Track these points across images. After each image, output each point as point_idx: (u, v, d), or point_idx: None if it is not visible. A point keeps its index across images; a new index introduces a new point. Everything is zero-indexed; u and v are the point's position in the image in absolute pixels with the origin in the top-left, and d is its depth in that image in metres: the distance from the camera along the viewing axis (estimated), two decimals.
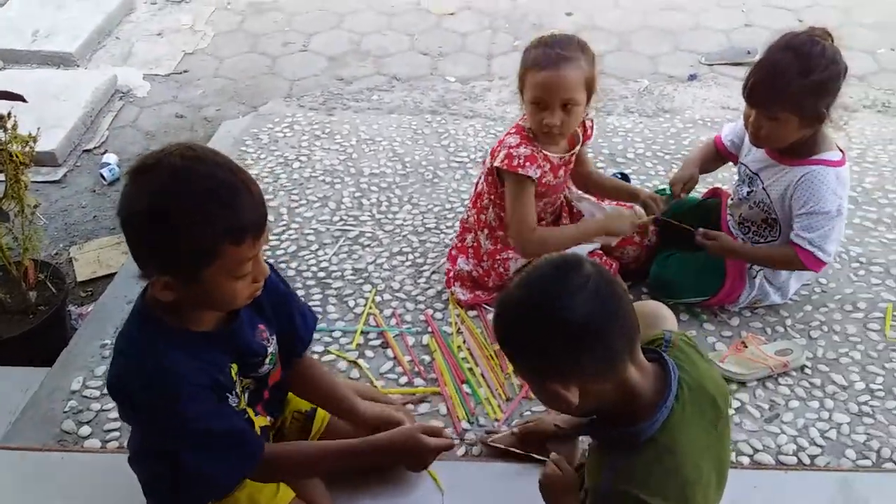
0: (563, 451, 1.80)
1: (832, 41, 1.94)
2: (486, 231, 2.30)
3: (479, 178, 2.39)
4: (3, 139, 2.15)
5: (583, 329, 1.12)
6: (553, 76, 1.99)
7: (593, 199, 2.40)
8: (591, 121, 2.29)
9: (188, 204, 1.17)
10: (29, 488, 1.83)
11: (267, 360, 1.50)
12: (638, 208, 2.34)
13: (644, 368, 1.22)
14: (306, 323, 1.62)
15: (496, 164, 2.12)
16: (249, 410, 1.50)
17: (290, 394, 1.76)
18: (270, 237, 2.64)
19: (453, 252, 2.42)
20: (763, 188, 2.14)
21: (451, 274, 2.38)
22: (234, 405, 1.41)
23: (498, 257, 2.29)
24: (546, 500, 1.50)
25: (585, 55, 2.04)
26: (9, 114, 2.15)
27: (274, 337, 1.53)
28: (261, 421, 1.55)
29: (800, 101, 1.92)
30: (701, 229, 2.22)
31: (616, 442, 1.23)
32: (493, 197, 2.25)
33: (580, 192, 2.41)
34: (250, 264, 1.26)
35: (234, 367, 1.42)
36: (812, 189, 2.03)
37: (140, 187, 1.20)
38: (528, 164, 2.08)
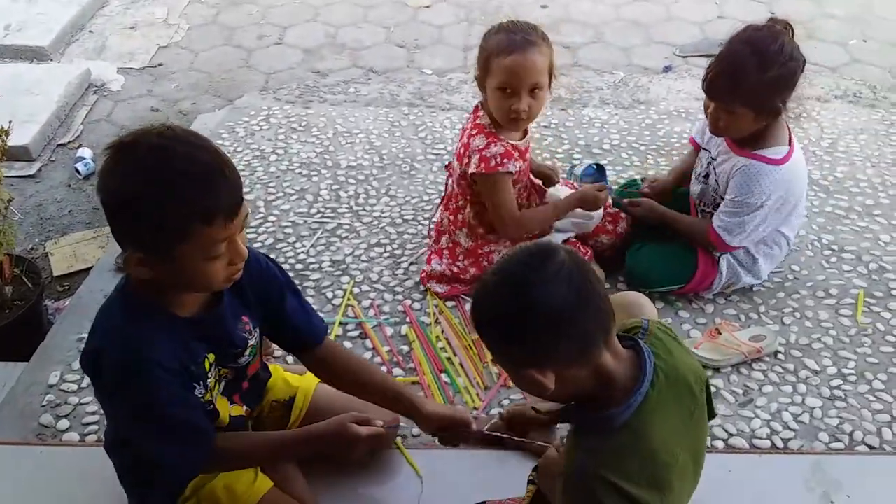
0: (542, 439, 1.83)
1: (793, 34, 1.98)
2: (464, 230, 2.31)
3: (447, 181, 2.40)
4: None
5: (557, 315, 1.13)
6: (521, 60, 1.99)
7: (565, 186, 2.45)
8: None
9: (161, 182, 1.18)
10: (7, 482, 1.82)
11: (247, 353, 1.50)
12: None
13: (619, 355, 1.23)
14: (309, 321, 1.61)
15: (472, 170, 2.13)
16: (222, 401, 1.50)
17: (268, 383, 1.76)
18: (248, 231, 2.64)
19: (429, 254, 2.43)
20: (715, 174, 2.20)
21: (426, 274, 2.40)
22: (199, 396, 1.41)
23: (480, 251, 2.31)
24: (543, 482, 1.51)
25: (545, 41, 2.06)
26: None
27: (257, 330, 1.52)
28: (236, 410, 1.55)
29: (756, 96, 1.97)
30: (626, 200, 2.35)
31: (590, 426, 1.24)
32: (468, 197, 2.26)
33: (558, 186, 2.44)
34: (224, 245, 1.25)
35: (211, 356, 1.42)
36: (742, 180, 2.09)
37: (116, 164, 1.21)
38: (505, 160, 2.10)
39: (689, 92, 3.60)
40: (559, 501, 1.26)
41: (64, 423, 1.97)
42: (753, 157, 2.08)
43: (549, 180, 2.40)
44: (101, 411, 1.97)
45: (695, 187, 2.33)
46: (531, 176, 2.37)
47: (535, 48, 2.00)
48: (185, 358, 1.36)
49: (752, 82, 1.94)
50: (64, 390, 2.05)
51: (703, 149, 2.29)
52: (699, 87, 3.54)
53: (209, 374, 1.43)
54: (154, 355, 1.29)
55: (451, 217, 2.33)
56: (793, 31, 1.98)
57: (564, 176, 2.78)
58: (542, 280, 1.13)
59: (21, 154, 3.20)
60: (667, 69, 3.91)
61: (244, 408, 1.59)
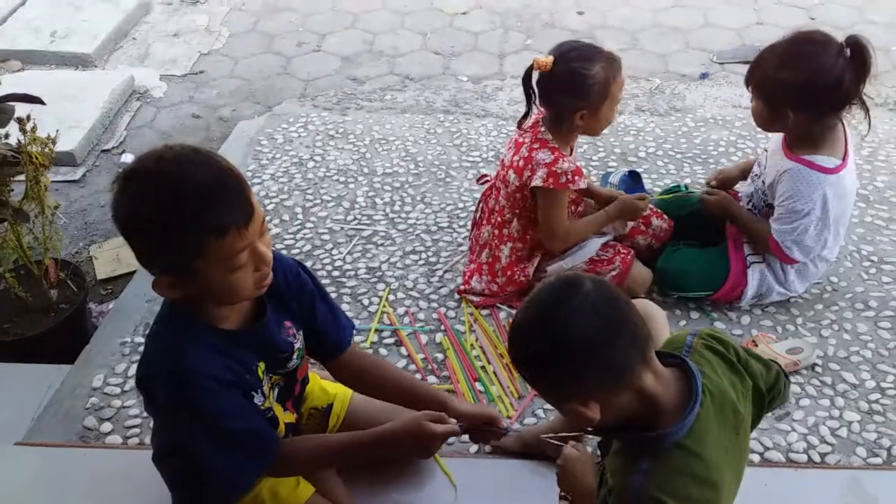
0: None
1: (841, 49, 1.94)
2: (509, 244, 2.32)
3: (490, 194, 2.41)
4: (23, 141, 2.19)
5: (587, 346, 1.14)
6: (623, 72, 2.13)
7: None
8: None
9: (164, 208, 1.19)
10: (52, 483, 1.87)
11: (295, 356, 1.53)
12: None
13: (661, 375, 1.22)
14: (337, 325, 1.63)
15: (536, 183, 2.13)
16: (277, 407, 1.53)
17: (306, 391, 1.79)
18: (287, 237, 2.68)
19: (466, 271, 2.44)
20: (764, 170, 2.20)
21: (464, 288, 2.41)
22: (258, 404, 1.44)
23: (516, 269, 2.32)
24: (565, 482, 1.51)
25: None
26: (28, 116, 2.19)
27: (300, 332, 1.55)
28: (287, 417, 1.58)
29: (766, 90, 2.03)
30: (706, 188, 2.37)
31: (644, 447, 1.23)
32: (517, 211, 2.27)
33: None
34: (245, 255, 1.26)
35: (262, 365, 1.45)
36: (789, 184, 2.08)
37: (120, 195, 1.23)
38: (576, 178, 2.12)
39: (726, 99, 3.57)
40: None
41: (107, 426, 2.02)
42: (802, 161, 2.06)
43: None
44: (144, 415, 2.02)
45: (747, 188, 2.32)
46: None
47: None
48: (238, 368, 1.38)
49: (763, 73, 2.01)
50: (107, 393, 2.10)
51: (765, 149, 2.29)
52: (737, 95, 3.53)
53: (263, 382, 1.46)
54: (204, 368, 1.32)
55: (496, 231, 2.34)
56: (860, 52, 1.93)
57: (598, 183, 2.79)
58: (566, 312, 1.15)
59: (66, 159, 3.29)
60: (704, 76, 3.88)
61: (294, 414, 1.62)
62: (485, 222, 2.40)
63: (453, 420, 1.56)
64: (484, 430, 1.67)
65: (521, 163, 2.18)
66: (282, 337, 1.49)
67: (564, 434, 1.74)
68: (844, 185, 2.09)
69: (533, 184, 2.14)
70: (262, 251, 1.29)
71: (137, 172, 1.23)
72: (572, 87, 2.07)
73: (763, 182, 2.21)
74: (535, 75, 2.12)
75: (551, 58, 2.07)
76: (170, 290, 1.28)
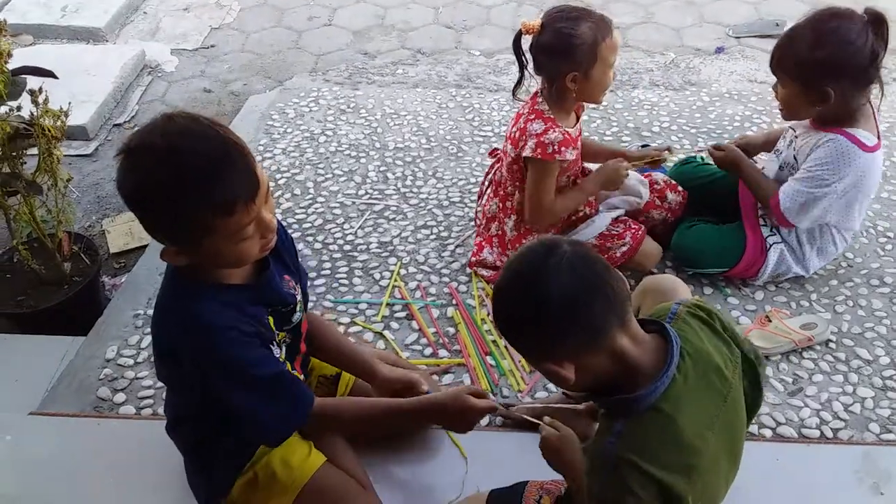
0: (579, 428, 1.83)
1: (880, 28, 1.90)
2: (513, 217, 2.31)
3: (493, 167, 2.40)
4: (36, 114, 2.19)
5: (560, 306, 1.15)
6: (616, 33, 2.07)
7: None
8: None
9: (171, 184, 1.18)
10: (65, 453, 1.89)
11: (297, 308, 1.53)
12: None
13: (640, 339, 1.23)
14: (304, 283, 1.67)
15: (526, 154, 2.11)
16: (288, 366, 1.54)
17: (313, 361, 1.80)
18: (298, 211, 2.68)
19: (479, 240, 2.44)
20: (794, 148, 2.15)
21: (475, 259, 2.41)
22: (277, 356, 1.44)
23: (523, 241, 2.30)
24: (551, 462, 1.51)
25: None
26: (40, 89, 2.18)
27: (299, 286, 1.56)
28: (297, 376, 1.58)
29: (802, 70, 1.96)
30: (713, 144, 2.33)
31: (617, 409, 1.24)
32: (517, 184, 2.25)
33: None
34: (252, 226, 1.27)
35: (271, 319, 1.45)
36: (826, 153, 2.04)
37: (127, 169, 1.21)
38: (563, 148, 2.09)
39: (741, 74, 3.53)
40: (584, 483, 1.26)
41: (120, 397, 2.03)
42: (844, 133, 2.02)
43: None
44: (157, 385, 2.03)
45: (771, 164, 2.28)
46: (582, 164, 2.35)
47: None
48: (253, 321, 1.39)
49: (799, 56, 1.94)
50: (121, 364, 2.12)
51: (791, 128, 2.25)
52: (753, 69, 3.48)
53: (276, 334, 1.46)
54: (222, 322, 1.32)
55: (501, 204, 2.33)
56: (882, 24, 1.91)
57: None
58: (545, 273, 1.16)
59: (79, 133, 3.29)
60: (719, 50, 3.83)
61: (301, 375, 1.61)
62: (492, 195, 2.39)
63: (492, 396, 1.57)
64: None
65: (517, 134, 2.17)
66: (285, 290, 1.49)
67: (543, 405, 1.79)
68: (876, 165, 2.07)
69: (524, 154, 2.12)
70: (267, 220, 1.30)
71: (141, 147, 1.21)
72: (559, 49, 2.03)
73: (795, 157, 2.15)
74: (529, 42, 2.09)
75: (539, 21, 2.05)
76: (177, 257, 1.29)
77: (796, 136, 2.17)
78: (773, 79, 2.10)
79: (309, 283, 2.33)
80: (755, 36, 3.92)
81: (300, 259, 1.70)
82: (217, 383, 1.38)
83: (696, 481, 1.20)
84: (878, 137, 2.06)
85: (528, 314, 1.18)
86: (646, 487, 1.16)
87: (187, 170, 1.18)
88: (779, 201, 2.11)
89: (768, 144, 2.38)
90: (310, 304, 2.28)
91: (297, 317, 1.54)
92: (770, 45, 2.11)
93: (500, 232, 2.35)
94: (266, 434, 1.47)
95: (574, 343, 1.18)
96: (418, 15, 4.27)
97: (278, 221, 1.54)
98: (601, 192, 2.31)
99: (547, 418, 1.56)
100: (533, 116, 2.13)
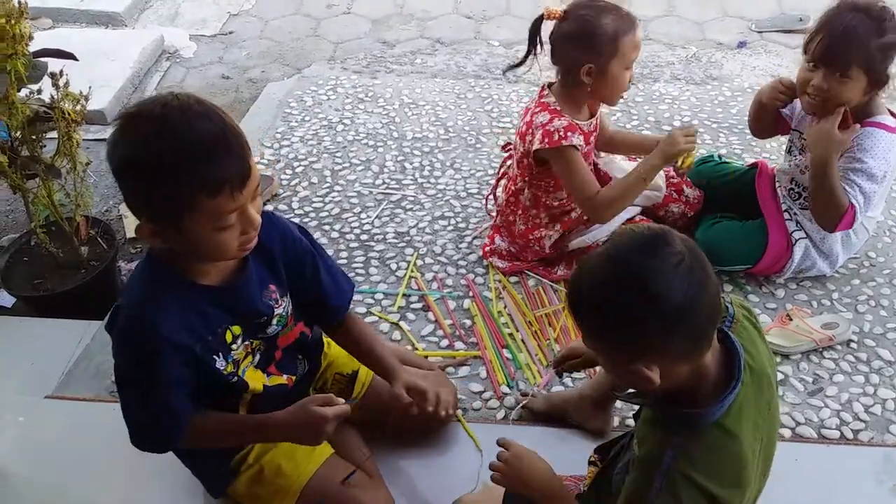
0: (596, 424, 1.82)
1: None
2: (520, 212, 2.29)
3: (506, 161, 2.39)
4: (56, 97, 2.19)
5: (678, 310, 1.07)
6: (640, 32, 2.02)
7: (618, 157, 2.39)
8: None
9: (162, 155, 1.16)
10: (80, 436, 1.90)
11: (274, 321, 1.49)
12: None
13: (714, 348, 1.19)
14: (339, 288, 1.61)
15: (535, 147, 2.09)
16: (254, 372, 1.50)
17: (331, 356, 1.78)
18: (315, 199, 2.67)
19: (492, 230, 2.43)
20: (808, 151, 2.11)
21: (488, 248, 2.39)
22: (220, 368, 1.41)
23: (532, 237, 2.29)
24: (514, 486, 1.47)
25: None
26: (60, 72, 2.18)
27: (286, 299, 1.51)
28: (274, 380, 1.55)
29: (873, 60, 1.92)
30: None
31: (680, 421, 1.20)
32: (527, 178, 2.23)
33: (605, 154, 2.40)
34: (234, 216, 1.24)
35: (236, 329, 1.42)
36: (864, 146, 2.00)
37: (120, 136, 1.20)
38: (569, 133, 2.05)
39: (764, 68, 3.49)
40: (627, 486, 1.23)
41: None
42: (870, 124, 2.00)
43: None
44: None
45: (786, 172, 2.24)
46: (595, 160, 2.32)
47: None
48: (200, 327, 1.36)
49: (869, 44, 1.90)
50: None
51: (794, 129, 2.21)
52: (775, 64, 3.44)
53: (233, 346, 1.42)
54: (161, 327, 1.30)
55: (511, 199, 2.31)
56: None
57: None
58: (662, 271, 1.07)
59: (97, 118, 3.29)
60: (741, 44, 3.79)
61: (284, 376, 1.58)
62: (503, 189, 2.38)
63: (341, 400, 1.46)
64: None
65: (524, 128, 2.15)
66: (262, 300, 1.45)
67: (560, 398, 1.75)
68: None
69: (533, 147, 2.10)
70: (251, 215, 1.27)
71: (141, 116, 1.19)
72: (578, 37, 2.00)
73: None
74: (549, 29, 2.07)
75: (562, 7, 2.03)
76: (152, 237, 1.26)
77: (804, 139, 2.13)
78: (796, 74, 2.06)
79: None
80: (778, 31, 3.87)
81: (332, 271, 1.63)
82: (119, 373, 1.39)
83: (747, 493, 1.19)
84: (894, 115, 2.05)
85: (637, 313, 1.09)
86: (695, 501, 1.14)
87: (181, 143, 1.17)
88: (853, 208, 2.03)
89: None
90: None
91: (272, 329, 1.50)
92: (793, 39, 2.09)
93: (506, 223, 2.35)
94: (134, 439, 1.44)
95: (676, 349, 1.12)
96: (437, 4, 4.25)
97: (297, 226, 1.54)
98: None
99: (500, 438, 1.49)
100: (539, 109, 2.11)
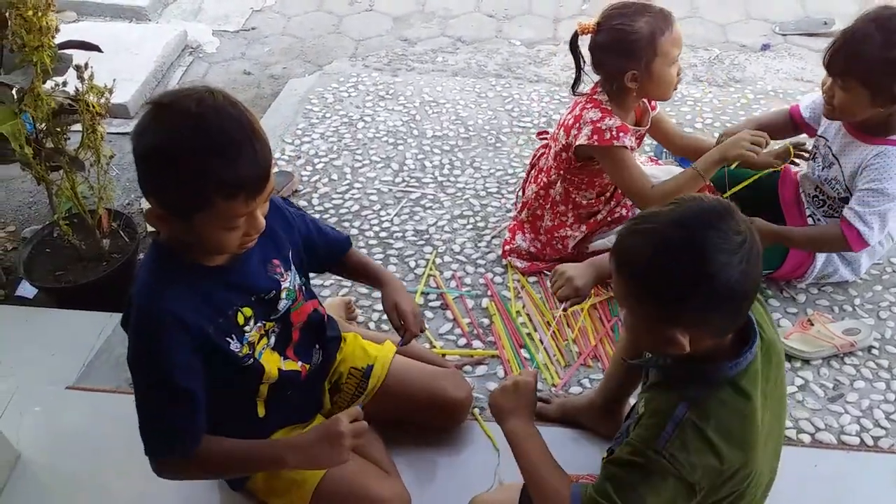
0: (608, 429, 1.81)
1: None
2: (549, 206, 2.28)
3: (539, 153, 2.38)
4: (81, 89, 2.21)
5: (730, 291, 1.09)
6: (678, 26, 2.01)
7: (646, 167, 2.37)
8: None
9: (190, 153, 1.18)
10: (100, 427, 1.92)
11: (284, 295, 1.50)
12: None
13: None
14: (334, 231, 1.74)
15: (581, 142, 2.07)
16: (271, 354, 1.51)
17: (346, 352, 1.78)
18: (335, 196, 2.68)
19: (512, 226, 2.42)
20: (839, 165, 2.08)
21: (508, 248, 2.39)
22: (235, 350, 1.41)
23: (556, 234, 2.29)
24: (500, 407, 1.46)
25: None
26: (85, 64, 2.20)
27: (290, 273, 1.52)
28: (289, 365, 1.55)
29: (874, 74, 1.86)
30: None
31: (695, 377, 1.21)
32: (562, 172, 2.22)
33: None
34: (243, 220, 1.27)
35: (247, 311, 1.43)
36: (882, 168, 1.96)
37: (152, 122, 1.22)
38: (621, 134, 2.05)
39: (787, 72, 3.46)
40: (633, 436, 1.23)
41: None
42: (889, 142, 1.96)
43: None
44: None
45: (810, 178, 2.22)
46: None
47: None
48: (210, 309, 1.36)
49: (871, 58, 1.84)
50: None
51: (820, 136, 2.17)
52: (799, 67, 3.41)
53: (246, 329, 1.43)
54: (172, 307, 1.30)
55: (541, 192, 2.30)
56: None
57: (652, 154, 2.73)
58: (724, 250, 1.08)
59: (120, 112, 3.31)
60: (765, 47, 3.76)
61: (299, 363, 1.58)
62: (532, 181, 2.37)
63: (355, 411, 1.44)
64: None
65: (571, 121, 2.14)
66: (267, 274, 1.47)
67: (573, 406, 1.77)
68: None
69: (578, 142, 2.09)
70: (258, 219, 1.30)
71: (175, 108, 1.21)
72: (616, 46, 1.99)
73: (842, 174, 2.07)
74: (587, 42, 2.07)
75: (594, 20, 2.02)
76: (160, 223, 1.28)
77: (830, 147, 2.11)
78: (820, 78, 2.04)
79: None
80: (802, 34, 3.83)
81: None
82: (136, 369, 1.37)
83: (751, 458, 1.20)
84: None
85: (691, 287, 1.10)
86: (701, 454, 1.16)
87: (209, 142, 1.19)
88: (855, 230, 1.99)
89: (768, 131, 2.30)
90: (344, 290, 2.29)
91: (282, 304, 1.50)
92: (817, 43, 2.06)
93: (530, 218, 2.34)
94: (144, 442, 1.41)
95: (715, 323, 1.15)
96: (459, 2, 4.24)
97: (277, 198, 1.56)
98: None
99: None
100: (590, 105, 2.10)
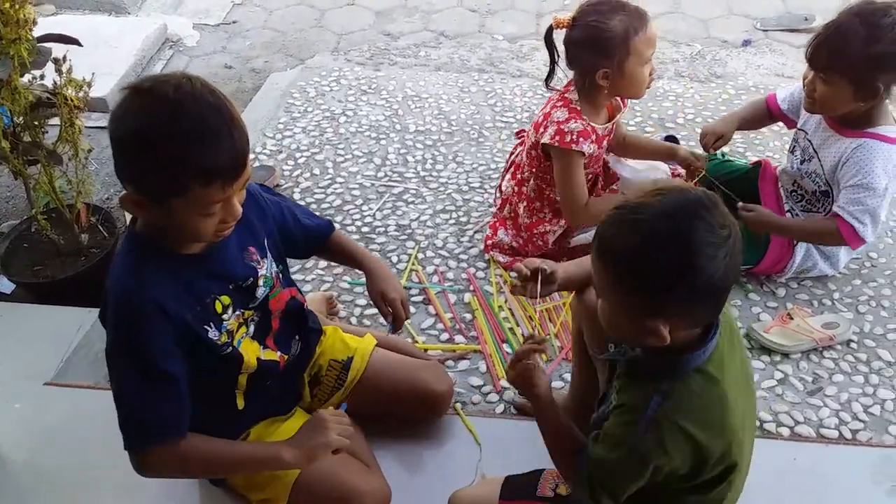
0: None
1: None
2: (524, 203, 2.29)
3: (516, 148, 2.38)
4: (59, 83, 2.18)
5: (714, 284, 1.11)
6: (653, 26, 2.01)
7: (628, 161, 2.38)
8: None
9: (167, 139, 1.18)
10: (79, 423, 1.90)
11: (261, 282, 1.49)
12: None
13: None
14: (315, 217, 1.73)
15: (544, 140, 2.08)
16: (250, 343, 1.50)
17: (326, 344, 1.77)
18: (317, 191, 2.67)
19: (494, 221, 2.42)
20: (818, 158, 2.10)
21: (490, 242, 2.39)
22: (214, 339, 1.41)
23: (536, 231, 2.29)
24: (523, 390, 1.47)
25: None
26: (64, 57, 2.17)
27: (267, 260, 1.52)
28: (268, 354, 1.55)
29: (856, 69, 1.88)
30: (741, 203, 2.15)
31: (664, 369, 1.21)
32: (534, 170, 2.22)
33: (615, 156, 2.38)
34: (220, 206, 1.27)
35: (225, 299, 1.42)
36: (862, 161, 1.98)
37: (129, 107, 1.21)
38: (581, 139, 2.05)
39: (769, 67, 3.48)
40: (608, 428, 1.24)
41: None
42: (868, 135, 1.97)
43: (689, 167, 2.33)
44: None
45: (788, 172, 2.23)
46: (603, 166, 2.32)
47: None
48: (187, 297, 1.36)
49: (854, 53, 1.85)
50: None
51: (800, 129, 2.19)
52: (780, 63, 3.43)
53: (224, 317, 1.43)
54: (150, 293, 1.29)
55: (516, 188, 2.31)
56: None
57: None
58: (710, 244, 1.08)
59: (99, 105, 3.27)
60: (746, 43, 3.78)
61: (278, 353, 1.58)
62: (510, 176, 2.37)
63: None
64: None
65: (541, 118, 2.15)
66: (244, 262, 1.46)
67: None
68: None
69: (543, 140, 2.09)
70: (235, 206, 1.30)
71: (152, 93, 1.20)
72: (589, 43, 1.99)
73: (821, 167, 2.09)
74: (562, 36, 2.06)
75: (570, 15, 2.02)
76: (135, 208, 1.28)
77: (810, 140, 2.12)
78: (800, 74, 2.05)
79: (326, 265, 2.32)
80: (783, 30, 3.85)
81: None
82: (117, 358, 1.36)
83: (732, 442, 1.21)
84: None
85: (675, 279, 1.10)
86: (681, 448, 1.17)
87: (187, 128, 1.19)
88: (851, 227, 2.00)
89: (746, 123, 2.36)
90: (325, 286, 2.28)
91: (260, 292, 1.50)
92: (798, 38, 2.08)
93: (511, 214, 2.34)
94: (125, 436, 1.39)
95: (696, 315, 1.16)
96: None
97: (269, 190, 1.58)
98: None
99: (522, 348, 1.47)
100: (560, 104, 2.10)
